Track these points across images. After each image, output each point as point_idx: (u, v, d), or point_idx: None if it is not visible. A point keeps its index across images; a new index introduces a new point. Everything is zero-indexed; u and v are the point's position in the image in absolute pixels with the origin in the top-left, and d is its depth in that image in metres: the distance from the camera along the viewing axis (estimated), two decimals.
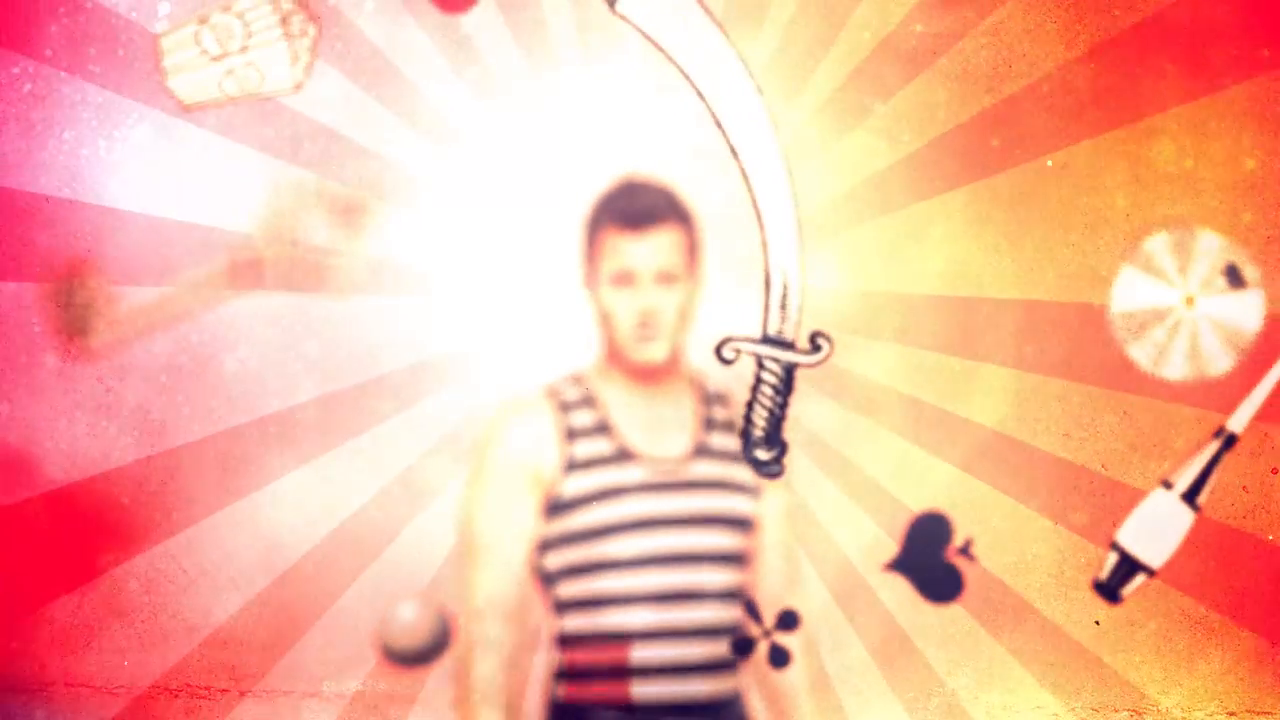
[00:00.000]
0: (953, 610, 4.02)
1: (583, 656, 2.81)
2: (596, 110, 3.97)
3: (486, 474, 2.82)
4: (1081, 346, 4.01)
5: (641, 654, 2.74)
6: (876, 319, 4.01)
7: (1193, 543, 4.00)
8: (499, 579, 2.78)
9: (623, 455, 2.79)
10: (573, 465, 2.80)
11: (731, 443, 2.96)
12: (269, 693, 3.97)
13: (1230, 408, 3.96)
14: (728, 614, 2.83)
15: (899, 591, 4.00)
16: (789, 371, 3.31)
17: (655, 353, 2.87)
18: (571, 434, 2.81)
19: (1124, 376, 4.02)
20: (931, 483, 4.01)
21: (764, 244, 3.43)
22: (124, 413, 3.95)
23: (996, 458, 4.02)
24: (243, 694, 3.97)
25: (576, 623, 2.81)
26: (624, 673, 2.73)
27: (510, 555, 2.80)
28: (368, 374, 3.97)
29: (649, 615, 2.73)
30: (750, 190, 3.41)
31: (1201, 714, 4.00)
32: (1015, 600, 4.03)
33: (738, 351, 3.15)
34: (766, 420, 3.20)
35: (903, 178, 4.00)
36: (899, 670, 4.01)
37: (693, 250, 2.97)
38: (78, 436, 3.94)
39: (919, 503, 4.00)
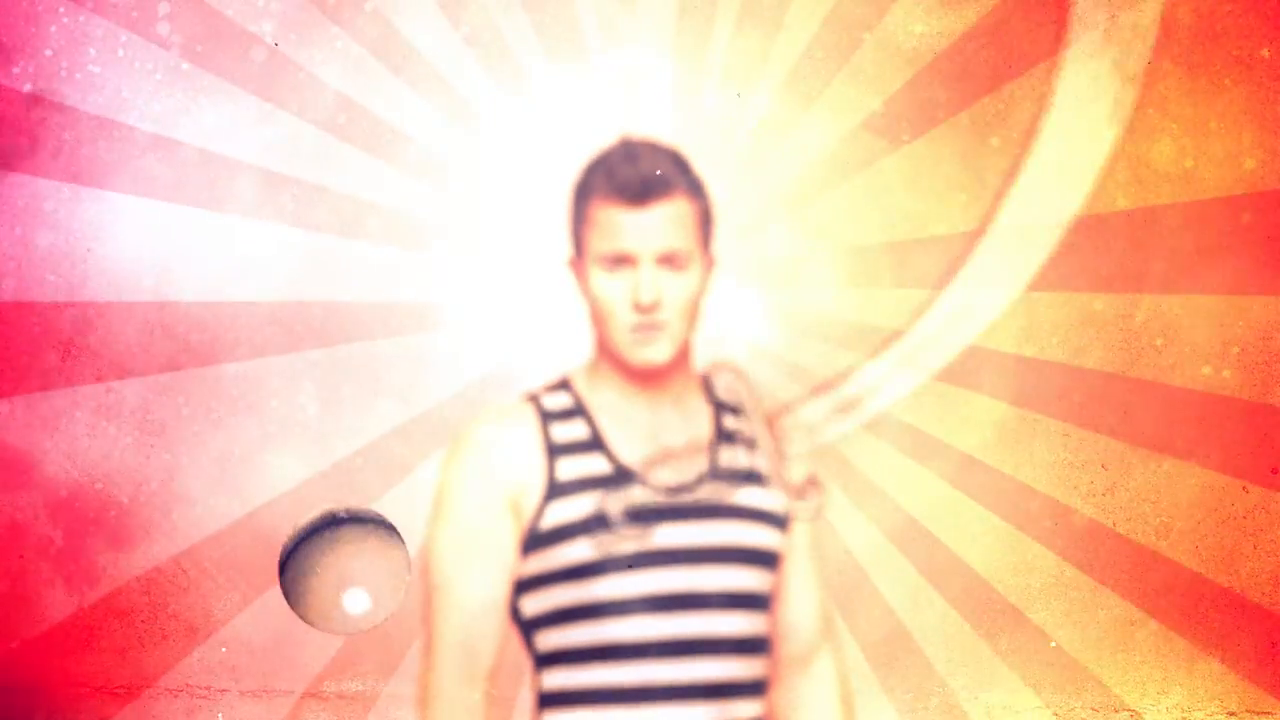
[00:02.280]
0: (953, 610, 4.03)
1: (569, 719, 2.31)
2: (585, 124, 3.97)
3: (456, 500, 2.30)
4: (1082, 346, 4.01)
5: (643, 716, 2.26)
6: (876, 318, 4.01)
7: (1194, 542, 4.00)
8: (473, 629, 2.29)
9: (619, 476, 2.29)
10: (558, 488, 2.28)
11: (749, 460, 2.39)
12: (269, 693, 3.98)
13: (1231, 415, 3.97)
14: (748, 668, 2.29)
15: (899, 591, 4.01)
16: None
17: (657, 353, 2.32)
18: (556, 450, 2.30)
19: (1124, 376, 4.02)
20: (930, 484, 4.01)
21: (879, 365, 2.69)
22: (124, 413, 3.96)
23: (997, 458, 4.02)
24: (243, 694, 3.97)
25: (562, 679, 2.32)
26: None
27: (486, 600, 2.30)
28: (369, 373, 3.98)
29: (651, 670, 2.26)
30: (929, 317, 2.73)
31: (1201, 714, 4.00)
32: (1015, 600, 4.03)
33: (733, 396, 2.47)
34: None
35: (902, 177, 4.00)
36: (899, 670, 4.01)
37: (704, 226, 2.37)
38: (78, 436, 3.95)
39: (917, 503, 4.00)
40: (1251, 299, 3.97)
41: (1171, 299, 3.99)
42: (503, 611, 2.28)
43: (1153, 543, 4.01)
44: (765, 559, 2.33)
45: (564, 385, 2.39)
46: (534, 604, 2.29)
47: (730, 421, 2.39)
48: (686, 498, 2.28)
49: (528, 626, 2.31)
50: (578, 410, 2.35)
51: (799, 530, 2.43)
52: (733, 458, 2.35)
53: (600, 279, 2.31)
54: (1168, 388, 4.00)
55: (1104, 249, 4.01)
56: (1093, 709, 4.01)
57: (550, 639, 2.29)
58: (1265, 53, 3.95)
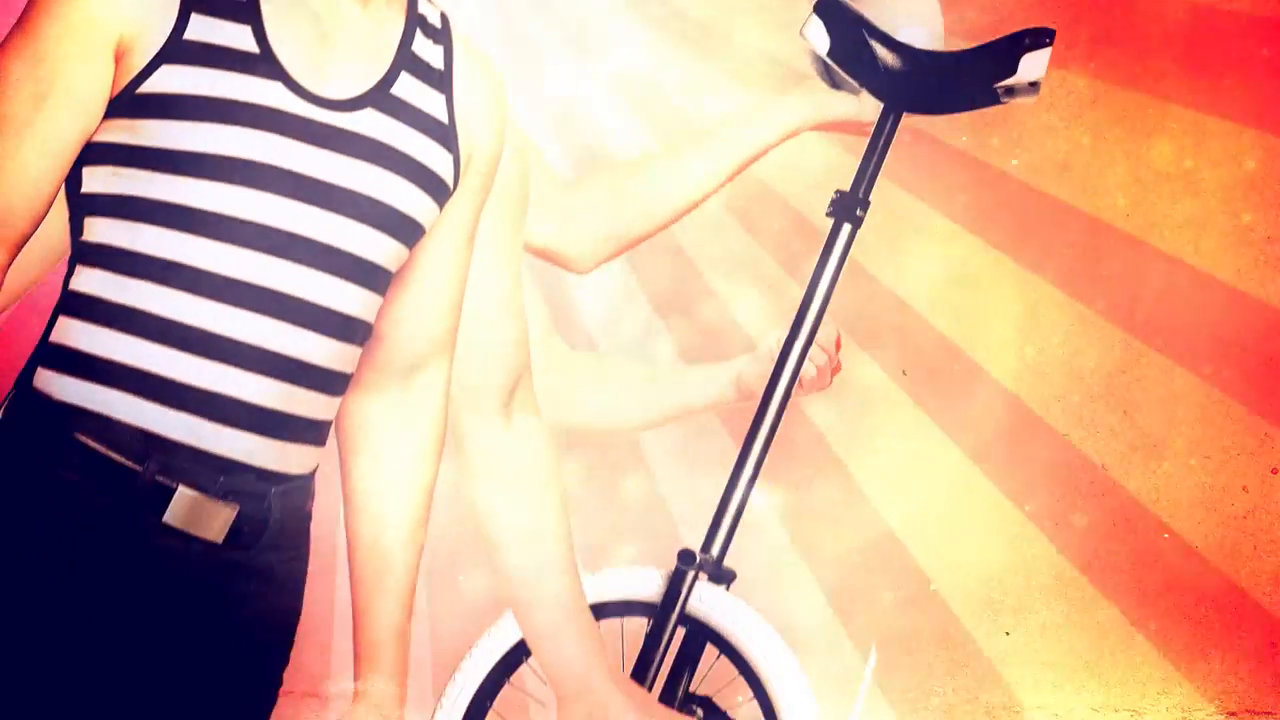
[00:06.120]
0: (952, 611, 4.03)
1: (94, 341, 1.85)
2: None
3: (40, 16, 1.71)
4: (1081, 346, 4.01)
5: (187, 362, 1.76)
6: (876, 319, 4.02)
7: (1194, 541, 4.00)
8: (17, 182, 1.73)
9: (262, 59, 1.75)
10: (180, 50, 1.73)
11: (430, 99, 1.87)
12: None
13: (1231, 415, 3.97)
14: (332, 354, 1.81)
15: (899, 591, 4.01)
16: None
17: None
18: (193, 1, 1.75)
19: (1124, 376, 4.02)
20: (931, 483, 4.02)
21: None
22: None
23: (997, 458, 4.02)
24: None
25: (98, 283, 1.81)
26: (151, 384, 1.75)
27: (46, 152, 1.73)
28: None
29: (213, 317, 1.74)
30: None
31: (1201, 714, 4.00)
32: (1015, 600, 4.03)
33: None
34: None
35: (903, 178, 4.00)
36: (899, 670, 4.02)
37: None
38: None
39: (919, 503, 4.01)
40: (1251, 299, 3.97)
41: (1172, 298, 3.99)
42: (60, 173, 1.75)
43: (1153, 543, 4.01)
44: (404, 226, 1.83)
45: None
46: (99, 182, 1.76)
47: (424, 48, 1.87)
48: (334, 118, 1.78)
49: (80, 207, 1.79)
50: None
51: (461, 211, 1.91)
52: (409, 92, 1.84)
53: None
54: (1168, 388, 4.00)
55: (1103, 249, 4.01)
56: (1093, 709, 4.02)
57: (103, 233, 1.77)
58: (1265, 52, 3.95)
